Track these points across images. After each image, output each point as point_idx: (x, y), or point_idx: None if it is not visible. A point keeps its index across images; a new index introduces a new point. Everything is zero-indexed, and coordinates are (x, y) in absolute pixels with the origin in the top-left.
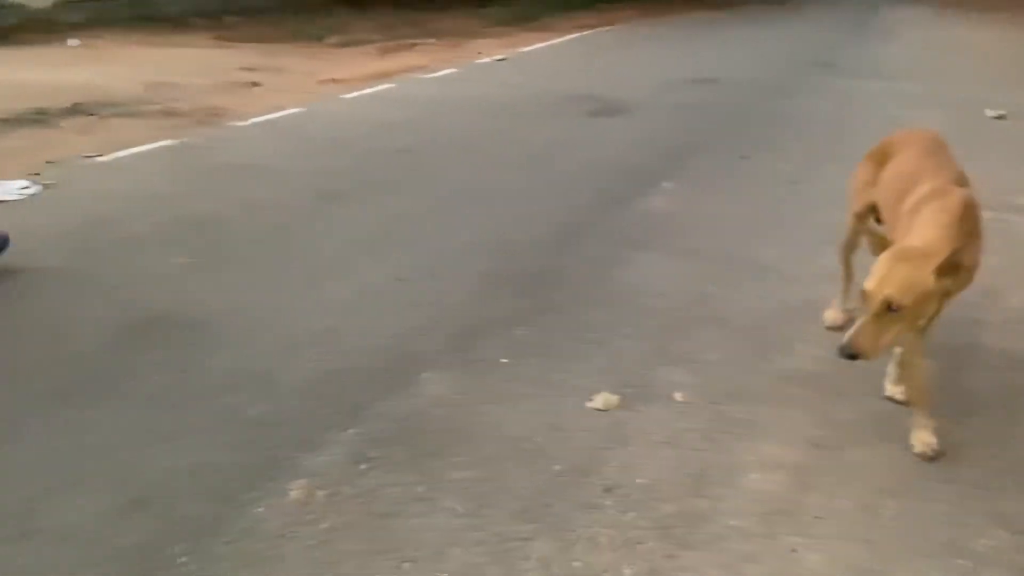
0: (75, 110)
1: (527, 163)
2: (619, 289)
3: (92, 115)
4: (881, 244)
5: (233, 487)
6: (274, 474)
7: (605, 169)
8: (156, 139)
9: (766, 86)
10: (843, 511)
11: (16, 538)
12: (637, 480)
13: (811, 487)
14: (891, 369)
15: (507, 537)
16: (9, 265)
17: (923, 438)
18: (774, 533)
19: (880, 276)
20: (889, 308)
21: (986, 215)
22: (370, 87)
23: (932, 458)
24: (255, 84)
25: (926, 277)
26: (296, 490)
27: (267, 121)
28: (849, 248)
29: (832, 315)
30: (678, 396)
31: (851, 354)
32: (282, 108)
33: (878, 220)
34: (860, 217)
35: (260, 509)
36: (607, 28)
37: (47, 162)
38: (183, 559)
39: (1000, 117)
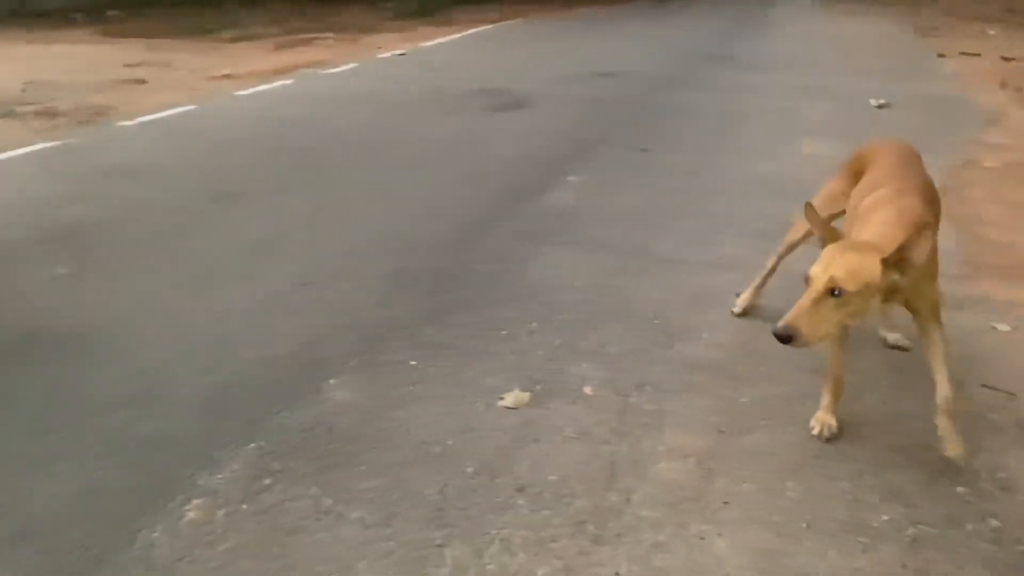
0: None
1: (430, 159)
2: (527, 284)
3: None
4: (833, 238)
5: (125, 512)
6: (169, 495)
7: (509, 163)
8: (33, 141)
9: (662, 79)
10: (748, 495)
11: None
12: (549, 477)
13: (717, 473)
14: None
15: (418, 545)
16: None
17: (822, 418)
18: (683, 521)
19: (827, 261)
20: (832, 292)
21: None
22: (266, 83)
23: (829, 439)
24: (142, 81)
25: (873, 267)
26: (193, 511)
27: (156, 120)
28: (789, 248)
29: (744, 299)
30: (588, 390)
31: (787, 335)
32: (172, 106)
33: None
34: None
35: (155, 533)
36: (508, 22)
37: None
38: None
39: (883, 106)
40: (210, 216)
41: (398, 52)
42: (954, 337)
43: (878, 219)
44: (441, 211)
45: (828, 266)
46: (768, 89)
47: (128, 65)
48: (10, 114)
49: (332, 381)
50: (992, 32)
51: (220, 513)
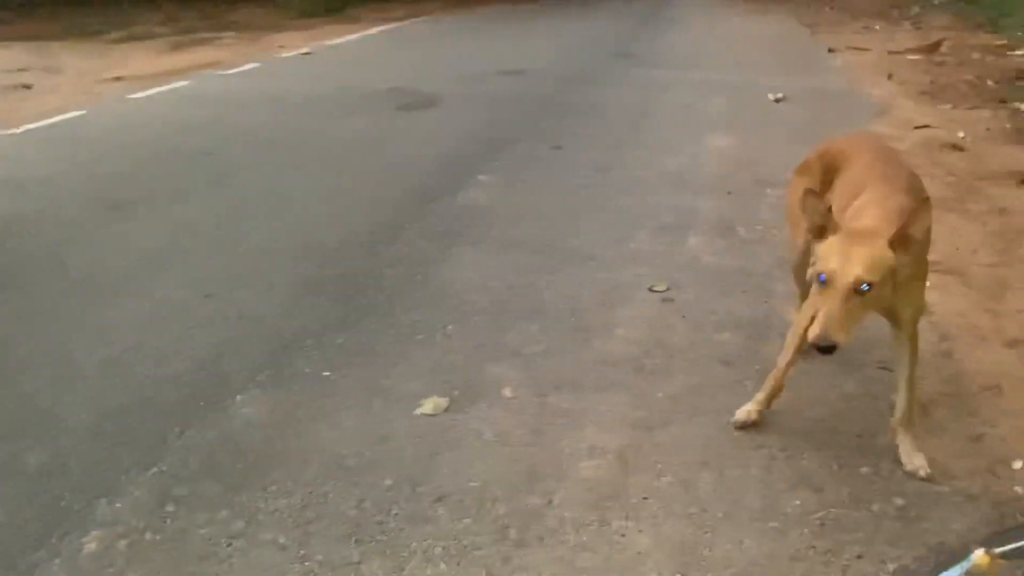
0: None
1: (336, 160)
2: (440, 286)
3: None
4: (835, 229)
5: (16, 548)
6: (65, 528)
7: (418, 163)
8: None
9: (570, 76)
10: (666, 489)
11: None
12: (470, 484)
13: (635, 468)
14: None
15: (335, 564)
16: None
17: (748, 409)
18: (605, 519)
19: (840, 258)
20: (858, 289)
21: (773, 192)
22: (161, 85)
23: (743, 426)
24: (27, 87)
25: (885, 252)
26: (93, 542)
27: (43, 127)
28: (803, 268)
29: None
30: (507, 392)
31: (830, 346)
32: (60, 112)
33: None
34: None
35: (53, 569)
36: (414, 20)
37: None
38: None
39: (780, 100)
40: (101, 227)
41: (302, 51)
42: None
43: (866, 216)
44: (349, 214)
45: (845, 263)
46: (673, 85)
47: (12, 70)
48: None
49: (239, 397)
50: (878, 27)
51: (122, 544)
